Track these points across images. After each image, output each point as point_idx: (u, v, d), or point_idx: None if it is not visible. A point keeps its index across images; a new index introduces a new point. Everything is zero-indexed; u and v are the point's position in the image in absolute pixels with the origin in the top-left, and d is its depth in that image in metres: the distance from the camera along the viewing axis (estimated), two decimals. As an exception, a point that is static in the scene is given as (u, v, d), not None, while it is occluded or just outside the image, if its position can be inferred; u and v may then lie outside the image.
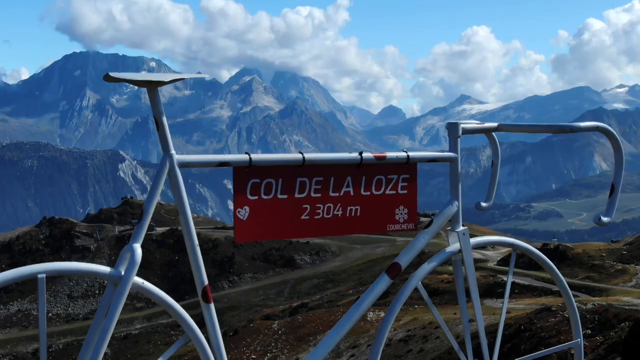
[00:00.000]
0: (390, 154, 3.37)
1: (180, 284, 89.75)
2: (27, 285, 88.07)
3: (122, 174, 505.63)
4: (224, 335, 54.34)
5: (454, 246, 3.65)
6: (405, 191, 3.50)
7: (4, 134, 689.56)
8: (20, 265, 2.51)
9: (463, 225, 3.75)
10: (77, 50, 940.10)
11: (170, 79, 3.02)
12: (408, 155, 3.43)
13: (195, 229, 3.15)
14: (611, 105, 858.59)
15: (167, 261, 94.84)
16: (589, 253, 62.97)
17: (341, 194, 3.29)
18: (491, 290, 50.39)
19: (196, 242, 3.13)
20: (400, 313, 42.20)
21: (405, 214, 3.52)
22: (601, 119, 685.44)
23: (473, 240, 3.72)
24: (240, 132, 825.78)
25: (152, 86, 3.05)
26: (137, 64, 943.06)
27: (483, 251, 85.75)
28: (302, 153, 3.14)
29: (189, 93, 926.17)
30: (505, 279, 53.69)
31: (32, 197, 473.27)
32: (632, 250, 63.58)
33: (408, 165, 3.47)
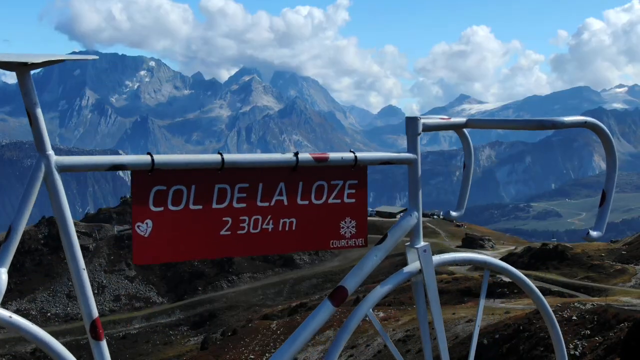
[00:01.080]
0: (334, 155, 2.89)
1: (179, 283, 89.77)
2: (26, 285, 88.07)
3: (121, 174, 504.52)
4: (222, 335, 54.36)
5: (414, 265, 3.19)
6: (353, 200, 3.02)
7: (3, 133, 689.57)
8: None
9: (425, 240, 3.24)
10: (77, 50, 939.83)
11: (43, 60, 2.36)
12: (356, 157, 2.94)
13: None
14: (611, 105, 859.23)
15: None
16: (588, 253, 62.98)
17: (272, 203, 2.78)
18: (490, 290, 50.41)
19: (82, 265, 2.65)
20: (399, 313, 42.19)
21: (352, 227, 3.05)
22: (601, 119, 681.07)
23: (437, 258, 3.22)
24: (240, 131, 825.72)
25: (22, 70, 2.37)
26: (136, 63, 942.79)
27: (482, 251, 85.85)
28: (221, 154, 2.62)
29: (188, 92, 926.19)
30: (504, 279, 53.74)
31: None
32: (631, 250, 63.60)
33: (356, 169, 2.98)
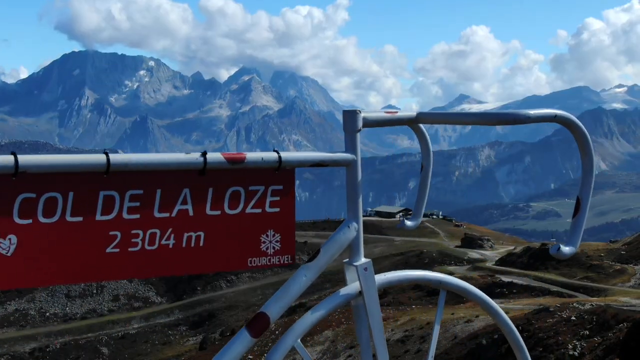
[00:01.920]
0: (253, 156, 2.40)
1: (178, 283, 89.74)
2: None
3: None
4: (221, 335, 54.32)
5: (353, 286, 2.72)
6: (277, 209, 2.49)
7: (3, 133, 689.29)
8: None
9: (365, 257, 2.86)
10: (76, 50, 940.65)
11: None
12: (280, 157, 2.44)
13: None
14: (610, 105, 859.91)
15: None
16: (588, 253, 62.97)
17: (173, 214, 2.28)
18: (489, 290, 50.40)
19: None
20: (398, 313, 42.15)
21: (276, 242, 2.53)
22: (600, 119, 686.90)
23: (381, 278, 2.80)
24: (239, 131, 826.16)
25: None
26: (136, 63, 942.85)
27: (481, 250, 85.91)
28: (106, 153, 2.17)
29: (187, 92, 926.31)
30: (503, 279, 53.76)
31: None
32: (630, 250, 63.59)
33: (281, 172, 2.47)
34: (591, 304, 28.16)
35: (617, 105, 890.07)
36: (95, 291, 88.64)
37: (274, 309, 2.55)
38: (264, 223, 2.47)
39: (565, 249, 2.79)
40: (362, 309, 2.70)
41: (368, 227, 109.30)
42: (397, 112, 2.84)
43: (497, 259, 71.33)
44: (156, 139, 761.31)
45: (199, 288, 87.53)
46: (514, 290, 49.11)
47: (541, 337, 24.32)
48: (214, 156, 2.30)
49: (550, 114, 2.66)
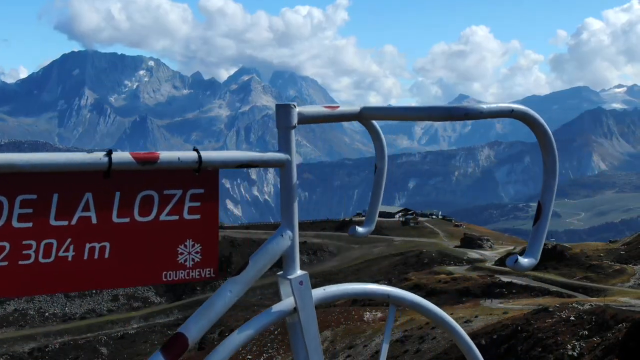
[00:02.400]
0: (168, 155, 2.07)
1: (177, 283, 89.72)
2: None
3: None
4: (220, 335, 54.31)
5: (287, 302, 2.37)
6: (197, 216, 2.16)
7: (2, 133, 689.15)
8: None
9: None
10: (76, 49, 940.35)
11: None
12: (200, 157, 2.11)
13: None
14: (610, 105, 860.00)
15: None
16: (587, 253, 62.99)
17: (73, 222, 1.96)
18: (488, 290, 50.41)
19: None
20: (396, 313, 42.09)
21: (196, 253, 2.18)
22: (600, 119, 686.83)
23: (319, 293, 2.44)
24: (239, 131, 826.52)
25: None
26: (135, 63, 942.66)
27: (481, 250, 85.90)
28: None
29: (187, 92, 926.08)
30: (503, 279, 53.73)
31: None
32: (630, 250, 63.59)
33: (202, 174, 2.15)
34: (590, 304, 28.15)
35: (617, 105, 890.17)
36: (94, 291, 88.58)
37: (194, 329, 2.18)
38: (182, 232, 2.14)
39: (524, 261, 2.42)
40: (297, 326, 2.36)
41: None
42: (338, 106, 2.53)
43: (496, 259, 71.32)
44: (156, 139, 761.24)
45: (198, 288, 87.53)
46: (514, 290, 49.11)
47: (540, 338, 24.30)
48: (120, 156, 1.99)
49: (506, 109, 2.45)
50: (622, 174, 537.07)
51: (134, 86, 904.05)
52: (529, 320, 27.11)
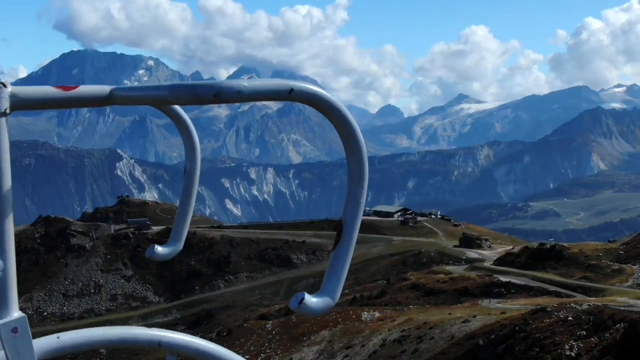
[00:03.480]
0: None
1: (176, 283, 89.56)
2: (22, 284, 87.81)
3: (119, 173, 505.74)
4: (218, 335, 54.13)
5: None
6: None
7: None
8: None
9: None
10: (75, 49, 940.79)
11: None
12: None
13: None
14: (609, 105, 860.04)
15: (163, 261, 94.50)
16: (586, 253, 62.88)
17: None
18: (487, 290, 50.31)
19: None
20: (395, 313, 42.00)
21: None
22: (599, 119, 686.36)
23: (44, 343, 1.78)
24: (238, 131, 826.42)
25: None
26: (135, 62, 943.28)
27: (480, 250, 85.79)
28: None
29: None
30: (502, 278, 53.66)
31: (30, 196, 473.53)
32: (629, 250, 63.47)
33: None
34: (589, 304, 28.05)
35: (616, 105, 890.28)
36: (93, 290, 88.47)
37: None
38: None
39: (312, 302, 1.79)
40: None
41: (366, 227, 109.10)
42: (76, 87, 1.90)
43: (495, 258, 71.21)
44: (155, 139, 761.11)
45: (197, 287, 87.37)
46: (512, 290, 49.00)
47: (538, 338, 24.20)
48: None
49: (282, 88, 1.82)
50: (621, 173, 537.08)
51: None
52: (527, 321, 27.01)
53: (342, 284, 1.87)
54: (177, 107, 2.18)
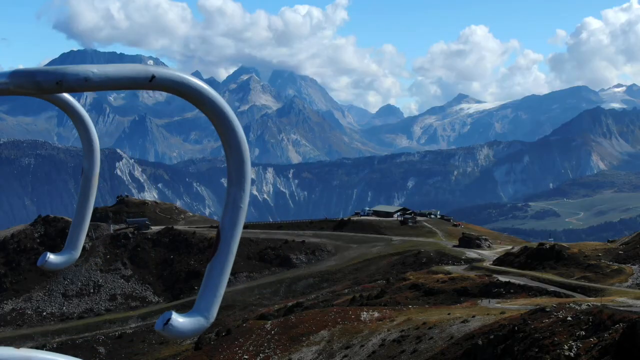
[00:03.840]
0: None
1: (175, 282, 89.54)
2: (22, 284, 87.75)
3: (119, 172, 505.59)
4: (217, 334, 54.12)
5: None
6: None
7: (1, 132, 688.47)
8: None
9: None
10: (75, 49, 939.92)
11: None
12: None
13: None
14: (609, 105, 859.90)
15: (162, 260, 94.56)
16: (585, 252, 62.89)
17: None
18: (486, 290, 50.29)
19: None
20: (394, 313, 41.98)
21: None
22: (599, 119, 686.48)
23: None
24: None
25: None
26: (134, 62, 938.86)
27: (479, 250, 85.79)
28: None
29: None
30: (501, 278, 53.67)
31: (29, 195, 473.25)
32: (628, 250, 63.46)
33: None
34: (588, 304, 28.04)
35: (616, 105, 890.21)
36: (92, 290, 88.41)
37: None
38: None
39: (178, 322, 1.60)
40: None
41: (366, 227, 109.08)
42: None
43: (494, 258, 71.23)
44: (155, 138, 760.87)
45: (196, 287, 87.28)
46: (512, 290, 48.99)
47: (537, 338, 24.18)
48: None
49: (141, 75, 1.60)
50: (621, 173, 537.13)
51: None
52: (526, 321, 26.99)
53: (219, 301, 1.63)
54: (67, 96, 1.91)
